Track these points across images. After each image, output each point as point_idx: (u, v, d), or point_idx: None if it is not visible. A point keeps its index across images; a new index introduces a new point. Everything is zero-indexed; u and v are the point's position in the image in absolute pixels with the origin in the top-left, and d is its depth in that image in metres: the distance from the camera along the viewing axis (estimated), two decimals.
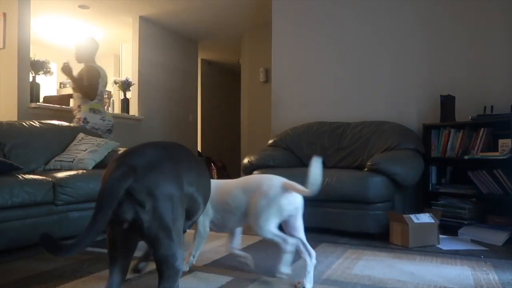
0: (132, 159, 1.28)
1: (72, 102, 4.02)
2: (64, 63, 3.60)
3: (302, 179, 3.11)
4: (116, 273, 1.35)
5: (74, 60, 3.79)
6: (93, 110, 3.70)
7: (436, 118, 3.47)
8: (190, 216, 1.50)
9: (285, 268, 1.77)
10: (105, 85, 3.83)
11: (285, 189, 1.77)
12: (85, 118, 3.65)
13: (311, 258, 1.78)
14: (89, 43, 3.77)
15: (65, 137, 3.36)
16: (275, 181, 1.81)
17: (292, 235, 1.79)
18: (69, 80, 3.77)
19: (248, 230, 3.09)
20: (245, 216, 1.86)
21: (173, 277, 1.29)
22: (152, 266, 2.10)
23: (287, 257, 1.75)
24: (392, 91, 3.75)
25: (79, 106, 3.70)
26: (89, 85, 3.63)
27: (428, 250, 2.48)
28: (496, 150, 2.94)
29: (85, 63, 3.73)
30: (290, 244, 1.73)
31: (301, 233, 1.82)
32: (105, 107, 5.70)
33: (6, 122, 3.12)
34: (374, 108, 3.81)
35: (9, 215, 2.30)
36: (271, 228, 1.74)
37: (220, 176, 7.74)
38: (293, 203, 1.77)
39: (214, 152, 8.17)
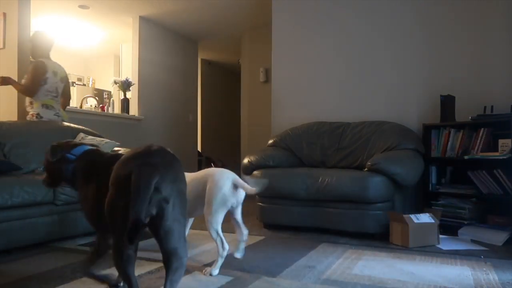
0: (152, 159, 1.36)
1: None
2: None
3: (302, 179, 3.11)
4: (133, 264, 1.41)
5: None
6: (46, 106, 3.50)
7: (436, 118, 3.47)
8: None
9: (215, 271, 1.97)
10: (61, 80, 3.61)
11: (234, 184, 2.00)
12: (38, 114, 3.46)
13: (243, 233, 2.07)
14: (39, 38, 3.54)
15: (65, 137, 3.34)
16: (225, 174, 2.02)
17: (233, 219, 2.08)
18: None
19: (249, 231, 3.09)
20: (202, 204, 2.04)
21: (180, 269, 1.36)
22: (150, 266, 2.10)
23: (221, 262, 1.98)
24: (392, 91, 3.75)
25: (31, 103, 3.49)
26: (28, 81, 3.40)
27: (428, 250, 2.49)
28: (496, 150, 2.94)
29: (36, 59, 3.52)
30: (226, 250, 1.98)
31: (239, 216, 2.09)
32: (105, 107, 5.72)
33: (6, 122, 3.12)
34: (374, 108, 3.81)
35: (9, 215, 2.30)
36: (218, 222, 1.96)
37: None
38: (236, 196, 2.01)
39: (214, 152, 8.17)
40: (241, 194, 2.03)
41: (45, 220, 2.50)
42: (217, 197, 1.95)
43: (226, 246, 1.99)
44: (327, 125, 3.73)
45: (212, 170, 2.09)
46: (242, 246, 2.10)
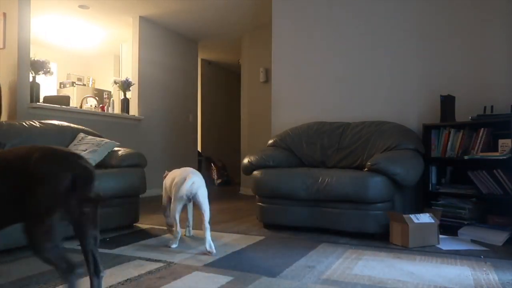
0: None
1: None
2: None
3: (302, 179, 3.11)
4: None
5: None
6: None
7: (436, 118, 3.47)
8: None
9: (174, 244, 2.51)
10: None
11: (185, 178, 2.43)
12: None
13: (206, 229, 2.42)
14: None
15: (65, 137, 3.36)
16: (182, 173, 2.51)
17: (200, 211, 2.46)
18: None
19: (249, 231, 3.10)
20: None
21: None
22: (151, 266, 2.10)
23: (177, 235, 2.52)
24: (392, 91, 3.76)
25: None
26: None
27: (428, 250, 2.49)
28: (496, 150, 2.94)
29: None
30: (178, 232, 2.51)
31: (205, 212, 2.45)
32: (105, 107, 5.72)
33: (6, 122, 3.12)
34: (374, 108, 3.81)
35: None
36: (176, 212, 2.45)
37: (220, 176, 7.74)
38: (189, 188, 2.40)
39: (214, 152, 8.17)
40: (193, 185, 2.41)
41: None
42: (176, 193, 2.44)
43: (179, 230, 2.52)
44: (327, 125, 3.73)
45: (178, 171, 2.59)
46: (208, 236, 2.44)
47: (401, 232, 2.61)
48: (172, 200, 2.48)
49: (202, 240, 2.73)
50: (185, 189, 2.38)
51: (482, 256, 2.34)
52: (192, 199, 2.44)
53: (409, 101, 3.66)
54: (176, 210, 2.44)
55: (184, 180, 2.41)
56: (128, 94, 5.38)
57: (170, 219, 2.72)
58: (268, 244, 2.63)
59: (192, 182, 2.40)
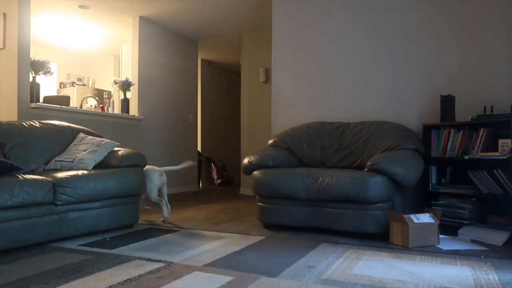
0: None
1: None
2: None
3: (302, 179, 3.11)
4: None
5: None
6: None
7: (436, 118, 3.47)
8: None
9: (166, 214, 3.45)
10: None
11: (159, 173, 3.48)
12: None
13: (168, 210, 3.47)
14: None
15: (65, 137, 3.36)
16: (151, 169, 3.47)
17: (161, 197, 3.48)
18: None
19: (249, 231, 3.10)
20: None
21: None
22: (151, 266, 2.10)
23: (165, 208, 3.44)
24: (392, 91, 3.76)
25: None
26: None
27: (428, 250, 2.49)
28: (496, 150, 2.94)
29: None
30: (163, 203, 3.44)
31: (165, 196, 3.49)
32: (105, 107, 5.72)
33: (6, 122, 3.12)
34: (374, 108, 3.81)
35: (9, 215, 2.30)
36: (155, 194, 3.42)
37: (220, 176, 7.74)
38: (161, 180, 3.47)
39: (214, 152, 8.17)
40: (163, 178, 3.48)
41: (45, 220, 2.50)
42: (151, 183, 3.41)
43: (162, 201, 3.45)
44: (327, 125, 3.73)
45: (149, 167, 3.50)
46: (167, 214, 3.46)
47: (401, 232, 2.61)
48: (150, 187, 3.43)
49: (202, 240, 2.74)
50: (158, 180, 3.46)
51: (482, 256, 2.34)
52: (159, 188, 3.48)
53: (409, 101, 3.66)
54: (155, 193, 3.44)
55: (155, 174, 3.45)
56: (128, 94, 5.38)
57: (143, 202, 3.70)
58: (268, 244, 2.64)
59: (161, 175, 3.48)
